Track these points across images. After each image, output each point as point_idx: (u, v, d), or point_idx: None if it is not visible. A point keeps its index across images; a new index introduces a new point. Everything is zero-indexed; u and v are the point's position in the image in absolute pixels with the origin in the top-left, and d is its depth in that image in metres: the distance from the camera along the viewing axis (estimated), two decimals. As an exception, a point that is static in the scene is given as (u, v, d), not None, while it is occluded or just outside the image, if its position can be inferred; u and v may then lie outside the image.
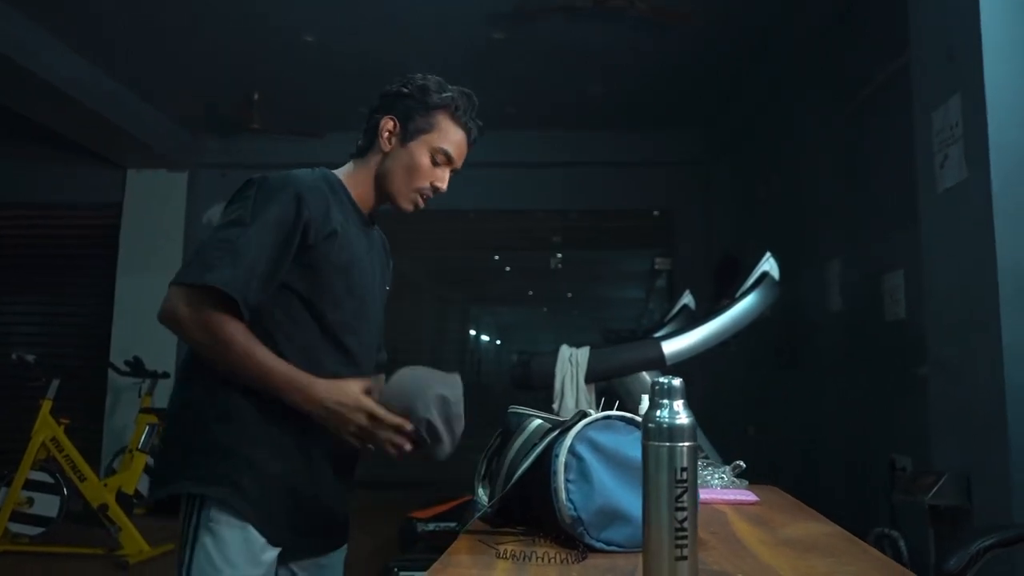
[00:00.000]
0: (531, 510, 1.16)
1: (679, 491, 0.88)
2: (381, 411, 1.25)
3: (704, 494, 1.48)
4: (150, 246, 5.96)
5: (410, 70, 5.12)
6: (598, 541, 1.04)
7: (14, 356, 4.34)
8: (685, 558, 0.87)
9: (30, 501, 4.12)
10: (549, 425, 1.17)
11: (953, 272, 2.40)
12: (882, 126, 3.35)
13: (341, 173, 1.47)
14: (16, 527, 4.12)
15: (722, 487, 1.53)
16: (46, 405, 4.19)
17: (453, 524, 3.34)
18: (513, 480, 1.12)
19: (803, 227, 4.27)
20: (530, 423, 1.21)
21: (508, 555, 1.00)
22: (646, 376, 3.04)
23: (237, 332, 1.25)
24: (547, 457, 1.10)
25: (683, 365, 3.29)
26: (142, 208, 6.05)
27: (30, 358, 4.34)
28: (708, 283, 5.35)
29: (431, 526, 3.55)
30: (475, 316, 9.64)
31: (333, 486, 1.39)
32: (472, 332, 9.57)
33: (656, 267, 6.27)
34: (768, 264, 3.14)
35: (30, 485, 4.12)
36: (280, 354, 1.29)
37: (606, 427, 1.10)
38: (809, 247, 4.09)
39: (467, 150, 1.48)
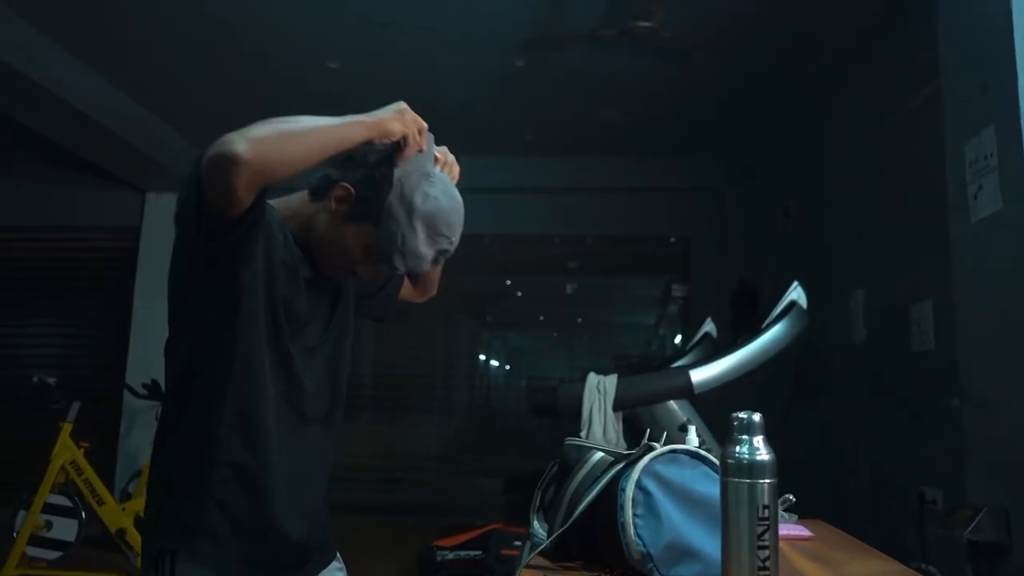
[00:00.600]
0: (592, 544, 1.14)
1: (761, 529, 0.87)
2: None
3: (756, 528, 1.46)
4: (167, 270, 5.97)
5: (432, 96, 5.14)
6: (667, 578, 1.03)
7: (35, 379, 4.33)
8: (768, 598, 0.86)
9: (48, 525, 4.09)
10: (612, 458, 1.16)
11: (988, 303, 2.38)
12: (907, 155, 3.36)
13: (283, 203, 1.39)
14: (34, 551, 4.09)
15: (772, 521, 1.51)
16: (66, 428, 4.18)
17: (476, 553, 3.32)
18: (576, 514, 1.11)
19: (825, 256, 4.25)
20: (592, 456, 1.20)
21: (581, 592, 0.99)
22: (673, 405, 3.03)
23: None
24: (612, 491, 1.08)
25: (702, 395, 3.28)
26: (160, 231, 6.07)
27: (51, 380, 4.34)
28: (724, 311, 5.34)
29: (452, 555, 3.53)
30: (485, 341, 9.61)
31: (301, 521, 1.34)
32: (481, 357, 9.53)
33: (674, 294, 6.25)
34: (796, 293, 3.13)
35: (48, 509, 4.10)
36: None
37: (672, 460, 1.10)
38: (831, 276, 4.08)
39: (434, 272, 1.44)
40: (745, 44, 4.08)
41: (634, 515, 1.04)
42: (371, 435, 6.63)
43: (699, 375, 2.96)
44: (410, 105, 1.38)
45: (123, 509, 4.22)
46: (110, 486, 5.18)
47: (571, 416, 3.02)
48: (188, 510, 1.24)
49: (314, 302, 1.37)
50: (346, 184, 1.32)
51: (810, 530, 1.49)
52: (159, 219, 6.11)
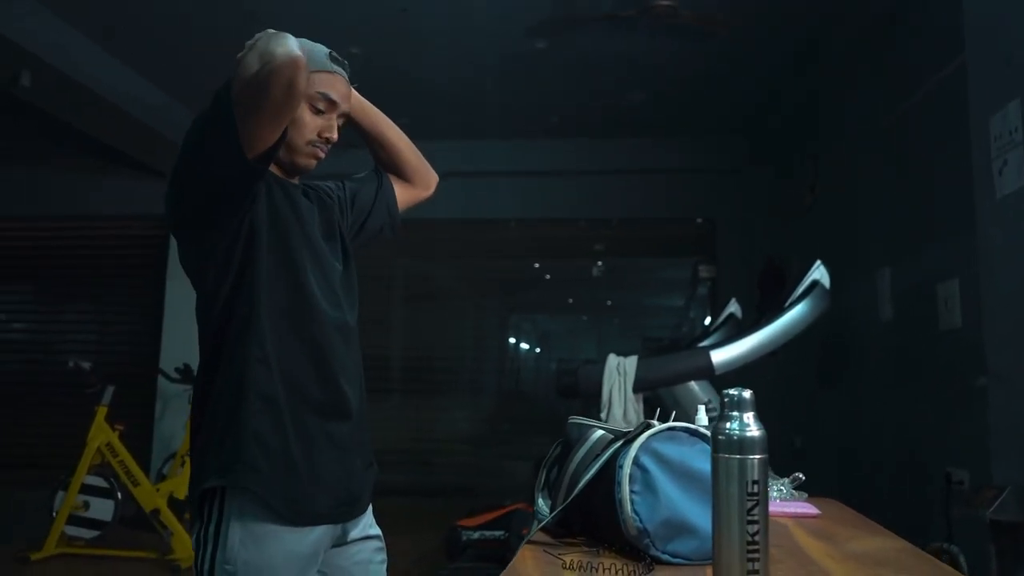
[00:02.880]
0: (593, 521, 1.16)
1: (751, 504, 0.87)
2: None
3: (764, 506, 1.46)
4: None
5: (454, 79, 5.15)
6: (664, 553, 1.04)
7: (71, 363, 4.45)
8: (757, 572, 0.87)
9: (86, 505, 4.22)
10: (612, 436, 1.17)
11: (1013, 279, 2.35)
12: (933, 130, 3.29)
13: None
14: (73, 530, 4.22)
15: (781, 500, 1.52)
16: (101, 411, 4.30)
17: (500, 533, 3.35)
18: (576, 491, 1.12)
19: (851, 235, 4.20)
20: (592, 433, 1.21)
21: (575, 566, 1.00)
22: (694, 386, 3.02)
23: None
24: (611, 468, 1.10)
25: (726, 375, 3.26)
26: (191, 218, 6.15)
27: (86, 365, 4.46)
28: (751, 291, 5.30)
29: (477, 535, 3.56)
30: (514, 324, 9.63)
31: (346, 457, 1.38)
32: (511, 340, 9.54)
33: (701, 275, 6.21)
34: (818, 272, 3.10)
35: (86, 489, 4.23)
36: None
37: (670, 438, 1.10)
38: (858, 255, 4.03)
39: (348, 90, 1.43)
40: (767, 22, 4.02)
41: (631, 492, 1.05)
42: (401, 418, 6.70)
43: (720, 356, 2.95)
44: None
45: (157, 489, 4.33)
46: (147, 468, 5.32)
47: (591, 397, 3.03)
48: (230, 447, 1.26)
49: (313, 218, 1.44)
50: None
51: (821, 509, 1.49)
52: (189, 206, 6.18)
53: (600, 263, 7.10)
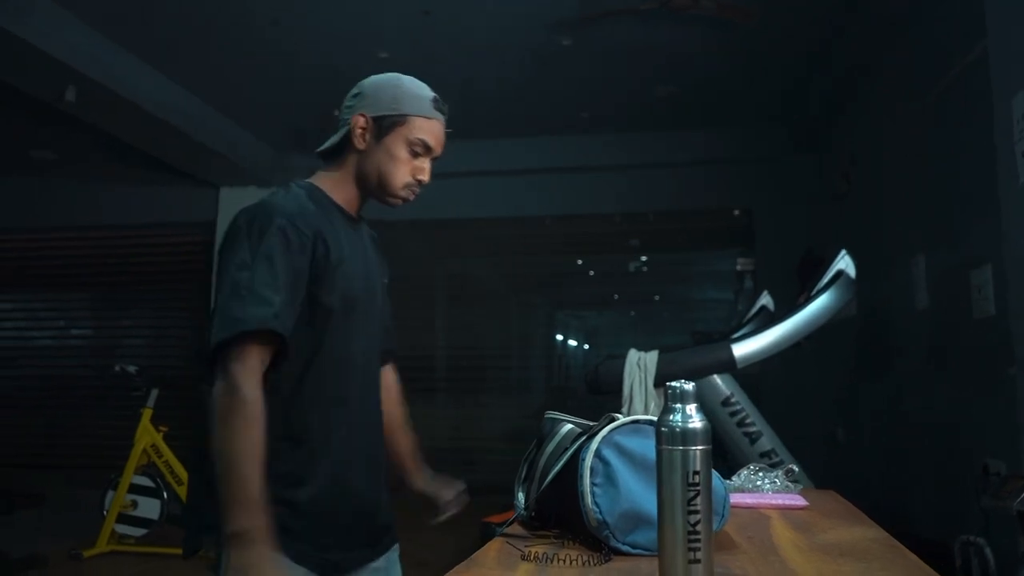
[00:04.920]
0: (562, 513, 1.17)
1: (691, 494, 0.88)
2: None
3: (753, 498, 1.46)
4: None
5: (482, 79, 5.16)
6: (624, 544, 1.05)
7: (117, 368, 4.62)
8: (698, 561, 0.87)
9: (134, 504, 4.38)
10: (579, 430, 1.19)
11: (1038, 265, 2.28)
12: (965, 115, 3.21)
13: (320, 180, 1.48)
14: (122, 528, 4.39)
15: (773, 491, 1.51)
16: (146, 414, 4.45)
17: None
18: (543, 485, 1.14)
19: (886, 222, 4.11)
20: (561, 428, 1.23)
21: (532, 557, 1.02)
22: (717, 379, 3.00)
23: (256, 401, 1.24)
24: (575, 461, 1.11)
25: (765, 366, 3.20)
26: (235, 224, 6.32)
27: (132, 369, 4.62)
28: (791, 282, 5.21)
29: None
30: (561, 321, 9.60)
31: (369, 494, 1.44)
32: (559, 337, 9.52)
33: (738, 268, 6.13)
34: (844, 262, 3.04)
35: (134, 489, 4.39)
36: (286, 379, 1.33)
37: (634, 431, 1.11)
38: (892, 243, 3.94)
39: (443, 135, 1.47)
40: (795, 11, 3.96)
41: (592, 484, 1.06)
42: (446, 417, 6.75)
43: (741, 349, 2.92)
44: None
45: (202, 489, 4.46)
46: (195, 468, 5.47)
47: (613, 393, 3.03)
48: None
49: (363, 252, 1.49)
50: (358, 114, 1.43)
51: (815, 501, 1.48)
52: (233, 212, 6.32)
53: (644, 258, 7.06)
